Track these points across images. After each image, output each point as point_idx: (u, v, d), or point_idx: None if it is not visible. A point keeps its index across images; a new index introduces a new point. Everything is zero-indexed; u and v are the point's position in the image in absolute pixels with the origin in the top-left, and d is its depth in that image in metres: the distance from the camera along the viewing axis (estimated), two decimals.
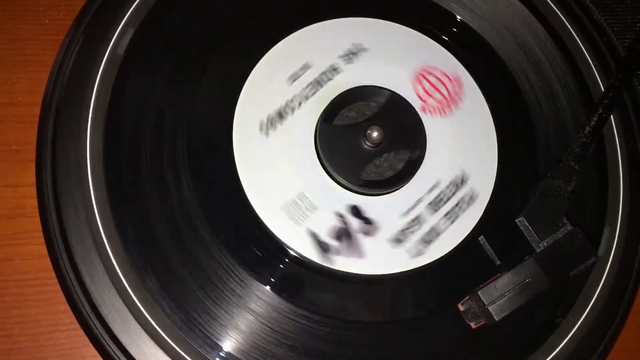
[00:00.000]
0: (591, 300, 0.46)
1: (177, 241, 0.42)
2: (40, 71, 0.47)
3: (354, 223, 0.45)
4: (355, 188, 0.46)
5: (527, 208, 0.44)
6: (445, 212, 0.47)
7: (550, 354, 0.44)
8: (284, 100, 0.47)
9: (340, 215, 0.45)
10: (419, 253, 0.45)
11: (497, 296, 0.42)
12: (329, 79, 0.48)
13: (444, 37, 0.51)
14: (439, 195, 0.47)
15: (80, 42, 0.44)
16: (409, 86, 0.49)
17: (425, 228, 0.46)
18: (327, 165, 0.46)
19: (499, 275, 0.43)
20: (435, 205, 0.47)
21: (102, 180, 0.42)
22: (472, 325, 0.42)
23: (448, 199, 0.47)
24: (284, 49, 0.48)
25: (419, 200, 0.47)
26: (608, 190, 0.49)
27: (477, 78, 0.51)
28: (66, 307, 0.42)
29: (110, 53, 0.45)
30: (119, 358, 0.40)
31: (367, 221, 0.45)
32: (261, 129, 0.46)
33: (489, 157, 0.49)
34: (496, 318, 0.41)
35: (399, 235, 0.45)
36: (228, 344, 0.41)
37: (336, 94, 0.47)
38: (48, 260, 0.42)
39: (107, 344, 0.40)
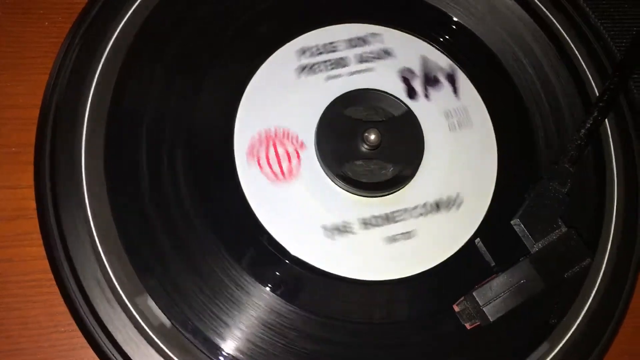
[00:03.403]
0: (586, 302, 0.46)
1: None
2: (41, 73, 0.47)
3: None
4: None
5: (522, 210, 0.44)
6: None
7: (547, 357, 0.44)
8: None
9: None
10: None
11: (492, 297, 0.42)
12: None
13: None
14: None
15: (80, 45, 0.45)
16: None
17: None
18: None
19: (494, 276, 0.43)
20: None
21: (101, 183, 0.42)
22: (467, 326, 0.42)
23: None
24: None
25: None
26: (604, 192, 0.49)
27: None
28: (65, 308, 0.42)
29: (109, 56, 0.45)
30: (116, 359, 0.40)
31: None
32: None
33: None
34: (491, 319, 0.41)
35: None
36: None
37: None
38: (48, 262, 0.42)
39: (105, 345, 0.40)
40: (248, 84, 0.47)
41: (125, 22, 0.46)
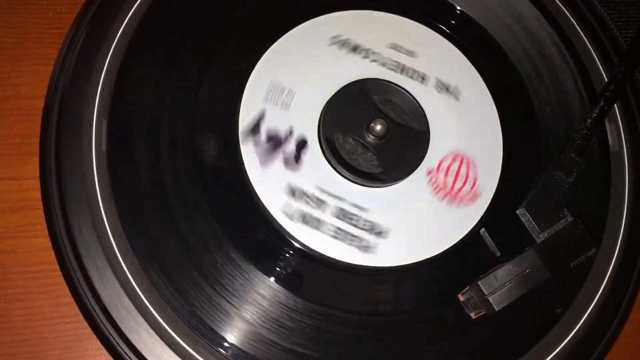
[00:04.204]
0: (594, 294, 0.46)
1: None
2: (44, 64, 0.47)
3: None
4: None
5: (528, 199, 0.44)
6: None
7: (554, 349, 0.44)
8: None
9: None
10: None
11: (497, 286, 0.42)
12: None
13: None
14: None
15: (84, 35, 0.45)
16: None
17: None
18: None
19: (499, 265, 0.43)
20: None
21: (106, 172, 0.42)
22: (472, 315, 0.42)
23: None
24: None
25: None
26: (610, 182, 0.49)
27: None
28: (70, 299, 0.42)
29: (113, 46, 0.45)
30: (122, 350, 0.40)
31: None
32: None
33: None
34: (496, 308, 0.41)
35: None
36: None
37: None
38: (52, 253, 0.42)
39: (111, 336, 0.40)
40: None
41: (129, 12, 0.46)
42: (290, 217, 0.44)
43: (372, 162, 0.46)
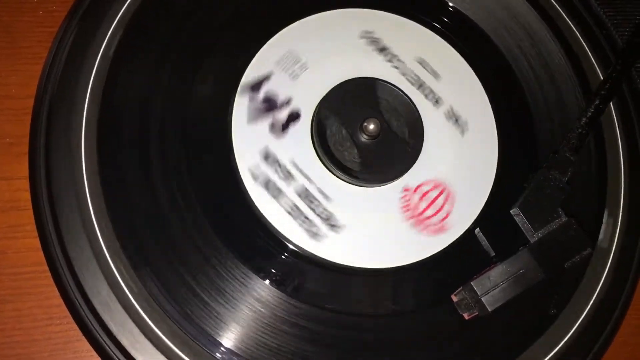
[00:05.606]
0: (591, 294, 0.46)
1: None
2: (35, 64, 0.46)
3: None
4: None
5: (522, 199, 0.44)
6: None
7: (550, 350, 0.44)
8: None
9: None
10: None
11: (491, 287, 0.41)
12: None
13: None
14: None
15: (74, 35, 0.44)
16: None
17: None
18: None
19: (492, 266, 0.42)
20: None
21: (96, 173, 0.42)
22: (465, 316, 0.42)
23: None
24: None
25: None
26: (607, 181, 0.48)
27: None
28: (60, 301, 0.42)
29: (104, 45, 0.44)
30: (112, 352, 0.40)
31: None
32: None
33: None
34: (489, 309, 0.41)
35: None
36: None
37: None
38: (42, 254, 0.42)
39: (101, 337, 0.40)
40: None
41: (120, 11, 0.45)
42: (255, 177, 0.44)
43: (355, 159, 0.46)
